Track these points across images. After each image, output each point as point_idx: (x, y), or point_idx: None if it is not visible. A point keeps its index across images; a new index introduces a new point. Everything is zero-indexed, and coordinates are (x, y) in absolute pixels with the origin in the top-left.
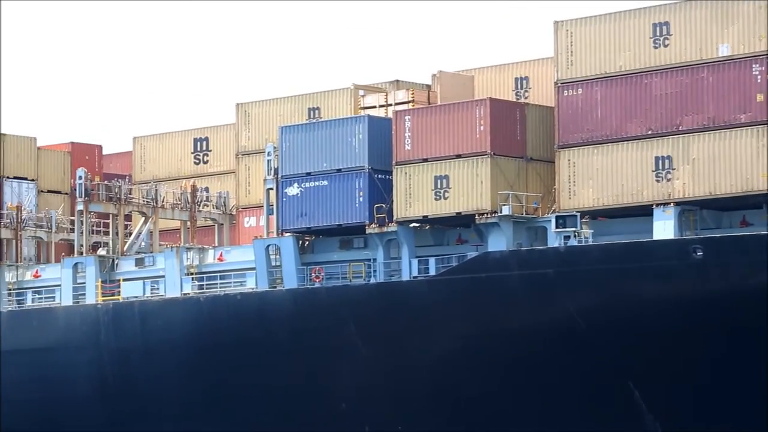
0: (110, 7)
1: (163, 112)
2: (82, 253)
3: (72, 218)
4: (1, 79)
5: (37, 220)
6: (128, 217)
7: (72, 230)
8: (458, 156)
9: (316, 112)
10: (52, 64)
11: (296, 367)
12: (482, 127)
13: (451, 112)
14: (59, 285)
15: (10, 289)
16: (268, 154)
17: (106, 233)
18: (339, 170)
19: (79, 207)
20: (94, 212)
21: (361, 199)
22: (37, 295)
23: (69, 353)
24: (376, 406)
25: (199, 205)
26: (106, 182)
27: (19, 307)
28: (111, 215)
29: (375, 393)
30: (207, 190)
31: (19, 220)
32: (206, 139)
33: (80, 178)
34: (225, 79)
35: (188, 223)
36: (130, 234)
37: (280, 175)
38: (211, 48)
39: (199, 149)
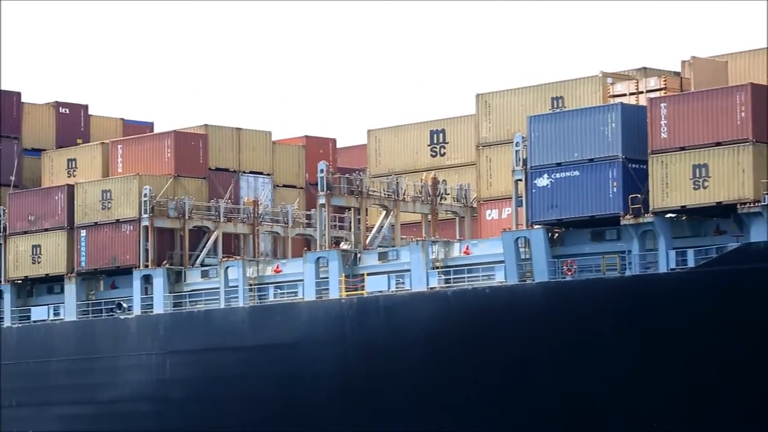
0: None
1: (396, 105)
2: (324, 248)
3: (307, 213)
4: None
5: (273, 215)
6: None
7: (308, 225)
8: (718, 144)
9: (560, 101)
10: (284, 58)
11: (548, 363)
12: (743, 114)
13: (710, 99)
14: (301, 280)
15: (251, 285)
16: (516, 145)
17: (341, 227)
18: (591, 160)
19: (321, 201)
20: (333, 206)
21: (614, 189)
22: (279, 290)
23: (312, 349)
24: (631, 404)
25: (440, 198)
26: (347, 175)
27: (260, 302)
28: (347, 209)
29: (629, 390)
30: (444, 182)
31: (256, 215)
32: (443, 131)
33: (321, 171)
34: (463, 70)
35: (429, 216)
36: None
37: (529, 166)
38: (446, 39)
39: (435, 141)
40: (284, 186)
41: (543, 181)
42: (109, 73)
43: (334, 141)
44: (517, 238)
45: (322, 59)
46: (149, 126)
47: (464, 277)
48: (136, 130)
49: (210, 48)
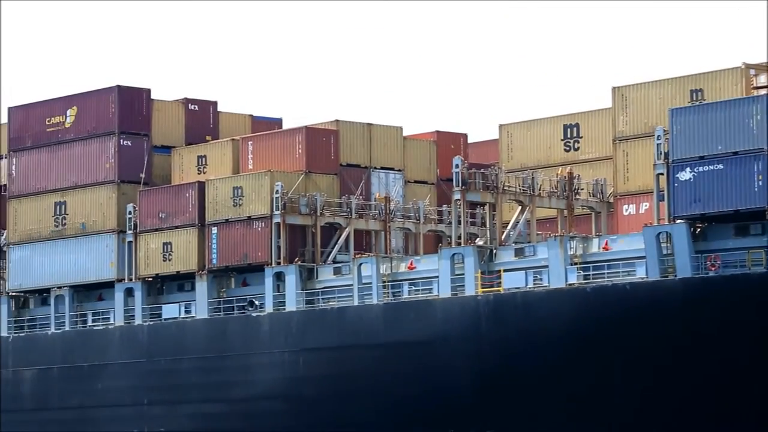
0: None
1: (527, 99)
2: (459, 244)
3: (438, 209)
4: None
5: (405, 211)
6: (493, 207)
7: (439, 221)
8: None
9: (699, 93)
10: (416, 54)
11: (691, 361)
12: None
13: None
14: (436, 277)
15: (384, 282)
16: (658, 138)
17: (473, 224)
18: (735, 153)
19: (456, 196)
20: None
21: (760, 182)
22: (413, 287)
23: (447, 346)
24: None
25: (576, 193)
26: (482, 171)
27: (394, 299)
28: (480, 205)
29: None
30: (579, 177)
31: (388, 211)
32: (576, 125)
33: (456, 166)
34: (596, 63)
35: (565, 211)
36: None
37: (670, 160)
38: (579, 32)
39: (569, 136)
40: (415, 182)
41: (685, 175)
42: (237, 70)
43: (465, 136)
44: (659, 233)
45: (454, 55)
46: (278, 122)
47: (604, 273)
48: (264, 126)
49: (339, 43)
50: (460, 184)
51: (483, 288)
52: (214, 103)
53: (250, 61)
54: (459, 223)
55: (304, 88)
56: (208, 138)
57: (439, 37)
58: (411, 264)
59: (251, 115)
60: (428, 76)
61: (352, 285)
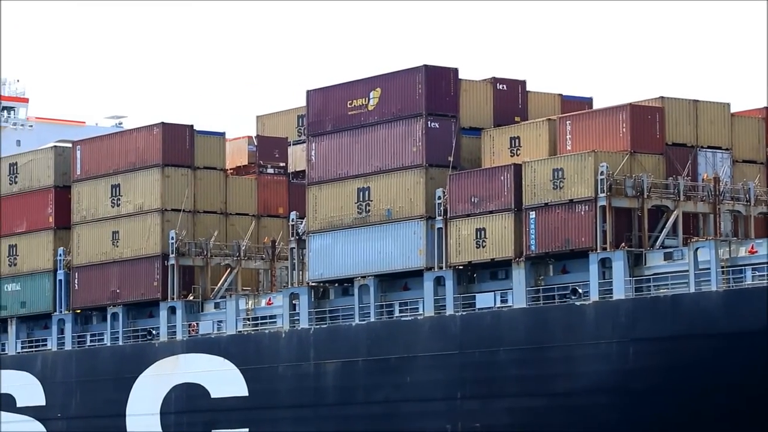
0: None
1: None
2: None
3: None
4: None
5: (733, 192)
6: None
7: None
8: None
9: None
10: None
11: None
12: None
13: None
14: None
15: (723, 267)
16: None
17: None
18: None
19: None
20: None
21: None
22: (756, 273)
23: None
24: None
25: None
26: None
27: (735, 285)
28: None
29: None
30: None
31: (717, 192)
32: None
33: None
34: None
35: None
36: None
37: None
38: None
39: None
40: (743, 161)
41: None
42: (544, 48)
43: None
44: None
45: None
46: (587, 102)
47: None
48: (575, 106)
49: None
50: None
51: None
52: (523, 83)
53: (558, 39)
54: None
55: (616, 66)
56: (516, 119)
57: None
58: (752, 248)
59: (560, 95)
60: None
61: (686, 271)
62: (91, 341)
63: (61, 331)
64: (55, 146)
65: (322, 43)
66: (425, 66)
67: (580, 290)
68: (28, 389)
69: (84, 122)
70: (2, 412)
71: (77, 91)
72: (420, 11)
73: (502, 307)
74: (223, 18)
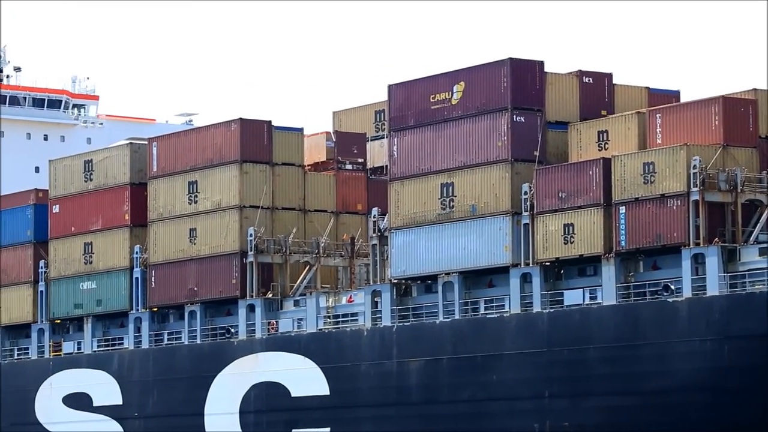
0: None
1: None
2: None
3: None
4: None
5: None
6: None
7: None
8: None
9: None
10: None
11: None
12: None
13: None
14: None
15: None
16: None
17: None
18: None
19: None
20: None
21: None
22: None
23: None
24: None
25: None
26: None
27: None
28: None
29: None
30: None
31: None
32: None
33: None
34: None
35: None
36: None
37: None
38: None
39: None
40: None
41: None
42: (632, 41)
43: None
44: None
45: None
46: (675, 95)
47: None
48: (662, 99)
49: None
50: None
51: None
52: (609, 75)
53: (644, 32)
54: None
55: (704, 58)
56: (603, 113)
57: None
58: None
59: (647, 88)
60: None
61: None
62: (168, 340)
63: (137, 329)
64: (131, 143)
65: (399, 39)
66: (510, 59)
67: (672, 287)
68: (104, 388)
69: (154, 119)
70: (79, 412)
71: (145, 89)
72: (504, 4)
73: (591, 304)
74: (298, 15)
